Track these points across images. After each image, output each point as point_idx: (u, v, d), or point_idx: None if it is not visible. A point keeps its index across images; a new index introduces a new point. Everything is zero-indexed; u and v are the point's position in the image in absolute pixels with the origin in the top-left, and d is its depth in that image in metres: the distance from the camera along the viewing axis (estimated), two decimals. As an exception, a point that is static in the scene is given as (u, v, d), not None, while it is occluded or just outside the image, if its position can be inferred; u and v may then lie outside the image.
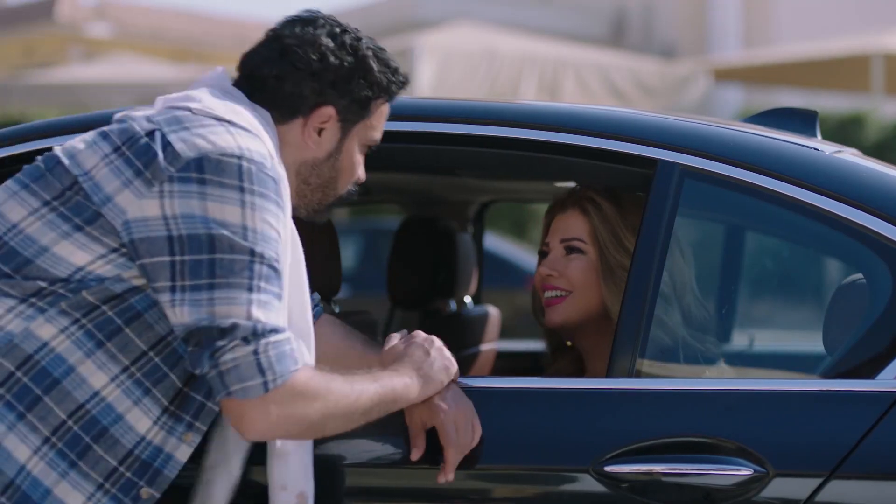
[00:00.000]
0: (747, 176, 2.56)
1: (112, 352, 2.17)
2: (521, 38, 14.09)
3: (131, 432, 2.19)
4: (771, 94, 17.78)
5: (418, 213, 4.28)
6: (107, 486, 2.18)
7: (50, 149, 2.63)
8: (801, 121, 3.05)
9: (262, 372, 2.10)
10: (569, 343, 3.00)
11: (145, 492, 2.21)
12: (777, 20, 22.65)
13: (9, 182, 2.24)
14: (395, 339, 2.43)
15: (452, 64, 12.26)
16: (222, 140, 2.15)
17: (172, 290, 2.12)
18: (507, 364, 4.35)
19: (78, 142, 2.23)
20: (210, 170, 2.12)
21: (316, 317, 2.52)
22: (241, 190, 2.12)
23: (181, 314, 2.11)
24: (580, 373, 2.89)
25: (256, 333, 2.10)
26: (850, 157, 2.76)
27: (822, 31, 18.59)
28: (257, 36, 2.40)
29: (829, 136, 3.59)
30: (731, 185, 2.57)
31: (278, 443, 2.31)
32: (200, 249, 2.10)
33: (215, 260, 2.10)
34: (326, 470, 2.45)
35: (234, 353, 2.09)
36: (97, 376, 2.17)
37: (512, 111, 2.80)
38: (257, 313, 2.10)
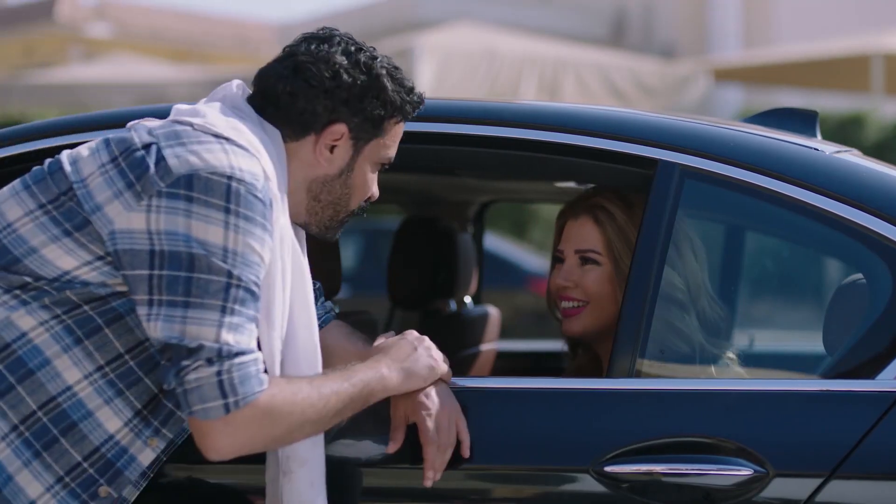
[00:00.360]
0: (747, 176, 2.56)
1: (89, 349, 2.20)
2: (521, 39, 14.09)
3: (100, 430, 2.22)
4: (771, 95, 17.78)
5: (418, 214, 4.28)
6: (67, 479, 2.21)
7: (50, 149, 2.63)
8: (801, 121, 3.05)
9: (223, 394, 2.12)
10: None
11: (104, 490, 2.23)
12: (777, 20, 22.65)
13: (16, 181, 2.27)
14: (382, 339, 2.45)
15: (452, 64, 12.27)
16: (215, 158, 2.15)
17: (150, 303, 2.14)
18: (507, 364, 4.35)
19: (84, 148, 2.25)
20: (198, 188, 2.13)
21: (327, 322, 2.54)
22: (227, 211, 2.13)
23: (155, 328, 2.14)
24: (599, 370, 2.89)
25: (221, 355, 2.12)
26: (851, 157, 2.76)
27: (822, 32, 18.60)
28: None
29: (829, 136, 3.59)
30: (731, 186, 2.57)
31: (283, 462, 2.33)
32: (179, 267, 2.13)
33: (192, 279, 2.12)
34: (329, 469, 2.45)
35: (197, 373, 2.12)
36: (71, 372, 2.20)
37: (512, 111, 2.80)
38: (226, 336, 2.12)
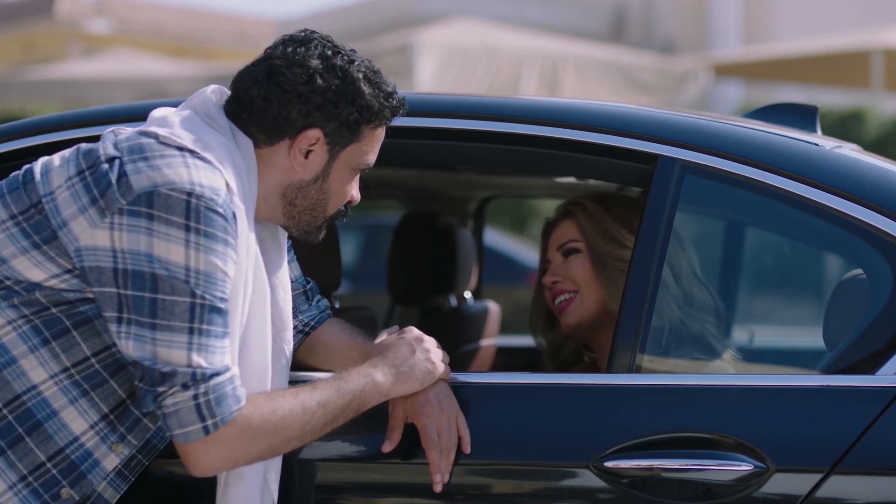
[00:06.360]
0: (748, 171, 2.55)
1: (56, 351, 2.21)
2: (521, 34, 14.09)
3: (65, 431, 2.22)
4: (771, 90, 17.79)
5: (418, 209, 4.27)
6: (30, 478, 2.21)
7: (48, 144, 2.63)
8: (801, 116, 3.06)
9: (201, 417, 2.13)
10: (585, 356, 3.02)
11: (65, 492, 2.24)
12: (777, 16, 22.65)
13: None
14: (385, 334, 2.44)
15: (452, 60, 12.25)
16: (175, 174, 2.14)
17: (119, 321, 2.15)
18: (507, 359, 4.35)
19: (57, 157, 2.25)
20: (158, 205, 2.13)
21: (321, 322, 2.54)
22: (187, 229, 2.13)
23: (126, 347, 2.15)
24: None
25: (196, 379, 2.13)
26: (850, 152, 2.76)
27: (822, 27, 18.60)
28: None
29: (830, 131, 3.59)
30: (731, 181, 2.57)
31: (222, 473, 2.33)
32: (143, 287, 2.13)
33: (157, 300, 2.12)
34: (326, 466, 2.45)
35: (174, 398, 2.13)
36: (37, 371, 2.21)
37: (512, 106, 2.80)
38: (197, 359, 2.13)
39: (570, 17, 24.15)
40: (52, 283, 2.18)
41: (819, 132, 3.04)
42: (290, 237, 2.49)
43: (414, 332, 2.42)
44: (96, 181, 2.16)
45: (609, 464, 2.37)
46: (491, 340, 4.25)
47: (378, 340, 2.43)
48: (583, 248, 2.90)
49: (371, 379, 2.31)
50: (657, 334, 2.56)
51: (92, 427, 2.23)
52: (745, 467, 2.35)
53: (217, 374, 2.14)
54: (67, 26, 30.13)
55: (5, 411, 2.20)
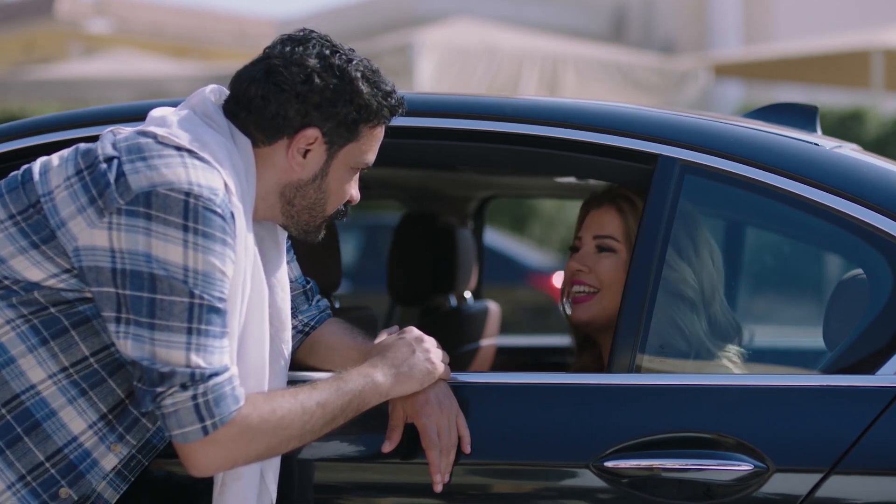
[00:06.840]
0: (748, 171, 2.55)
1: (54, 350, 2.21)
2: (521, 34, 14.09)
3: (63, 430, 2.22)
4: (771, 90, 17.80)
5: (418, 209, 4.27)
6: (29, 478, 2.22)
7: (49, 144, 2.63)
8: (801, 116, 3.05)
9: (200, 417, 2.14)
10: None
11: (64, 491, 2.24)
12: (777, 16, 22.65)
13: None
14: (384, 334, 2.44)
15: (452, 60, 12.25)
16: (173, 174, 2.14)
17: (117, 321, 2.15)
18: (507, 359, 4.35)
19: (55, 157, 2.25)
20: (156, 205, 2.13)
21: (321, 322, 2.54)
22: (185, 229, 2.13)
23: (125, 346, 2.15)
24: (601, 368, 2.89)
25: (195, 379, 2.13)
26: (850, 152, 2.76)
27: (822, 27, 18.60)
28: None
29: (830, 131, 3.59)
30: (731, 181, 2.57)
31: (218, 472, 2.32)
32: (142, 287, 2.13)
33: (155, 300, 2.12)
34: (325, 466, 2.45)
35: (173, 398, 2.13)
36: (36, 371, 2.21)
37: (513, 106, 2.80)
38: (196, 359, 2.13)
39: (570, 17, 24.16)
40: (51, 282, 2.18)
41: (819, 132, 3.04)
42: (289, 237, 2.49)
43: (414, 332, 2.42)
44: (94, 181, 2.16)
45: (609, 464, 2.38)
46: (491, 340, 4.25)
47: (378, 340, 2.43)
48: (620, 249, 2.81)
49: (371, 379, 2.31)
50: (657, 335, 2.56)
51: (90, 427, 2.24)
52: (745, 467, 2.35)
53: (216, 374, 2.14)
54: (67, 26, 30.14)
55: (4, 411, 2.20)
